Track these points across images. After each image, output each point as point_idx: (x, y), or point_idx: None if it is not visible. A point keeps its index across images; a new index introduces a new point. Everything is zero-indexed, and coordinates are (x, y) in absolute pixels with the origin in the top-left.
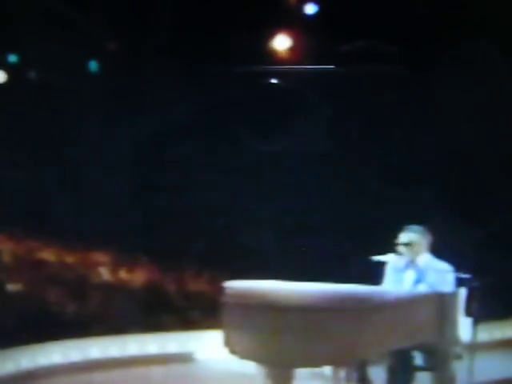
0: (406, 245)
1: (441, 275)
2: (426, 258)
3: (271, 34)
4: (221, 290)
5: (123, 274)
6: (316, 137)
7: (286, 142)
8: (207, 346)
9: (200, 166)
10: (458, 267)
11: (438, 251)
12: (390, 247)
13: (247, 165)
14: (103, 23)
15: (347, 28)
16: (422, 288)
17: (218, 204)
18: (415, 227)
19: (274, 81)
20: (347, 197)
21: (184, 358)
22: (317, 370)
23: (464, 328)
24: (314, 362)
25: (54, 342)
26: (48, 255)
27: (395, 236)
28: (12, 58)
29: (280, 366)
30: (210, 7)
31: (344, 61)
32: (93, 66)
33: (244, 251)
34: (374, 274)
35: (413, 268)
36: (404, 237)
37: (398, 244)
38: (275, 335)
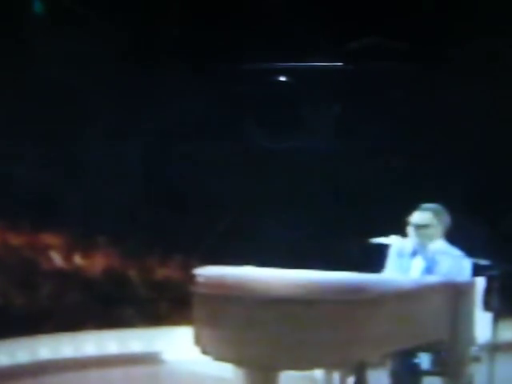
0: (420, 227)
1: (456, 262)
2: (439, 244)
3: (277, 31)
4: (192, 278)
5: (78, 260)
6: (324, 132)
7: (292, 139)
8: (176, 344)
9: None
10: (475, 252)
11: (450, 234)
12: (393, 227)
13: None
14: (110, 21)
15: (355, 25)
16: (433, 278)
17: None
18: (432, 206)
19: (282, 78)
20: (343, 167)
21: (149, 359)
22: (306, 373)
23: (482, 325)
24: (302, 363)
25: None
26: None
27: (403, 214)
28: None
29: (261, 369)
30: (219, 3)
31: (352, 58)
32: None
33: (221, 232)
34: (374, 260)
35: (422, 254)
36: (418, 217)
37: (409, 225)
38: (256, 332)
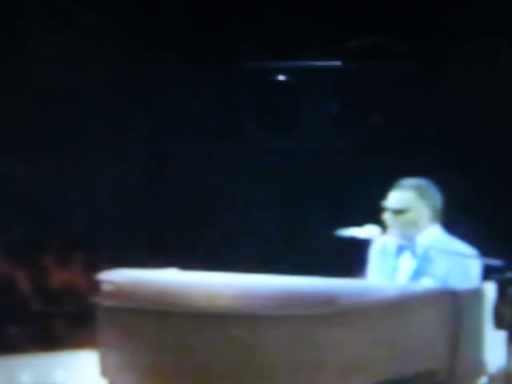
0: (397, 212)
1: (459, 260)
2: (433, 235)
3: (276, 30)
4: (96, 285)
5: None
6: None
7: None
8: (78, 374)
9: None
10: (483, 250)
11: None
12: (372, 216)
13: None
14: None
15: (354, 24)
16: (427, 283)
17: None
18: (414, 182)
19: (281, 77)
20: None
21: None
22: None
23: (493, 348)
24: None
25: None
26: None
27: (381, 198)
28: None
29: None
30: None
31: (351, 57)
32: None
33: (139, 225)
34: (350, 260)
35: (411, 251)
36: (394, 198)
37: (383, 210)
38: (182, 357)
